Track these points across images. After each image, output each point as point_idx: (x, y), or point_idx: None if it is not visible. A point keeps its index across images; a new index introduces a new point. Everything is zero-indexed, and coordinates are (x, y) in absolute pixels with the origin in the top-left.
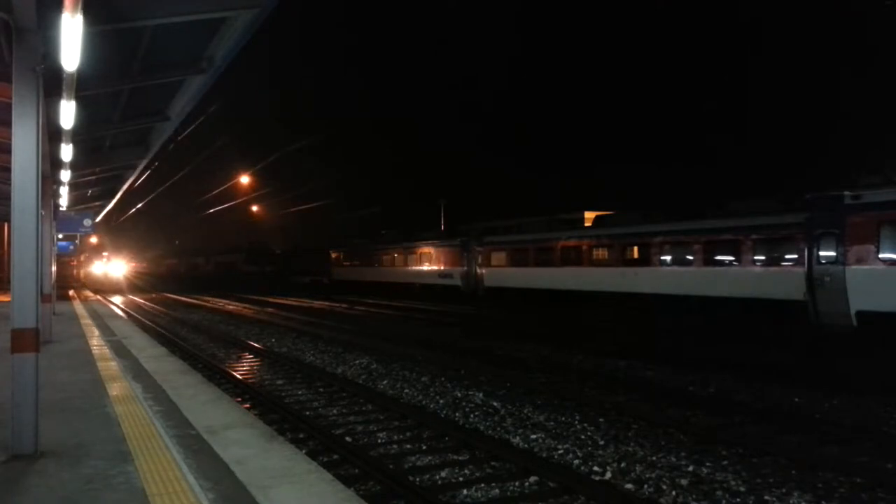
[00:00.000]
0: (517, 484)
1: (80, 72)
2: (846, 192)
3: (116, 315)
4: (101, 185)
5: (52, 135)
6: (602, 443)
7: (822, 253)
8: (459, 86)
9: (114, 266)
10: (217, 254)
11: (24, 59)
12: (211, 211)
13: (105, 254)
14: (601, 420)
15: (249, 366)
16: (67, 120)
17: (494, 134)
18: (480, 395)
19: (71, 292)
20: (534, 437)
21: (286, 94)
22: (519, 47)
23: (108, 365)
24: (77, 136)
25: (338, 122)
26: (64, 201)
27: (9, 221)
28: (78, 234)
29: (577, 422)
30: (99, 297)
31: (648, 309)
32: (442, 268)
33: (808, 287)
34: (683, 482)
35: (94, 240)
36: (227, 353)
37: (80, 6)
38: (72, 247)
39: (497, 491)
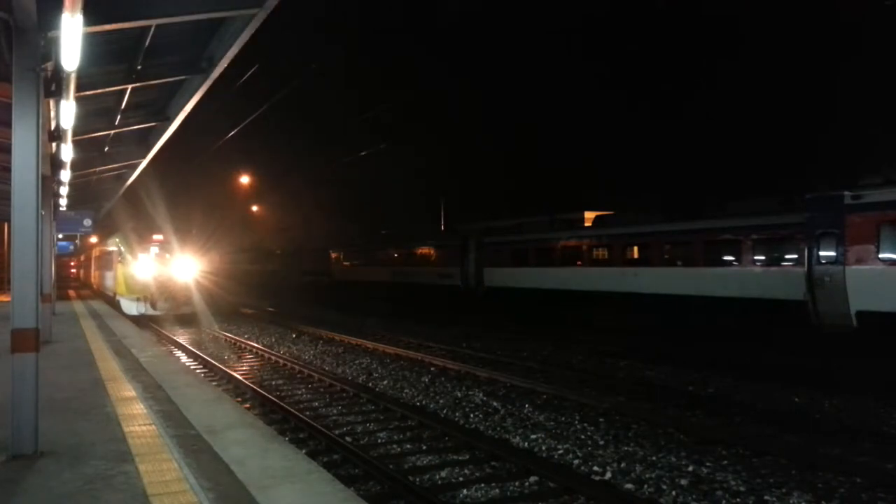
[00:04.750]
0: (517, 484)
1: (80, 72)
2: (846, 192)
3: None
4: (101, 185)
5: (52, 135)
6: (602, 443)
7: (822, 253)
8: (459, 84)
9: (181, 267)
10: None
11: (24, 59)
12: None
13: (157, 237)
14: (601, 420)
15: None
16: (67, 120)
17: (495, 133)
18: (480, 394)
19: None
20: (534, 437)
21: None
22: (518, 46)
23: (108, 365)
24: (77, 136)
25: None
26: (64, 201)
27: (9, 221)
28: (78, 234)
29: (577, 422)
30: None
31: (648, 309)
32: (442, 268)
33: (808, 287)
34: (683, 482)
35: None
36: None
37: (80, 6)
38: (71, 247)
39: (497, 491)
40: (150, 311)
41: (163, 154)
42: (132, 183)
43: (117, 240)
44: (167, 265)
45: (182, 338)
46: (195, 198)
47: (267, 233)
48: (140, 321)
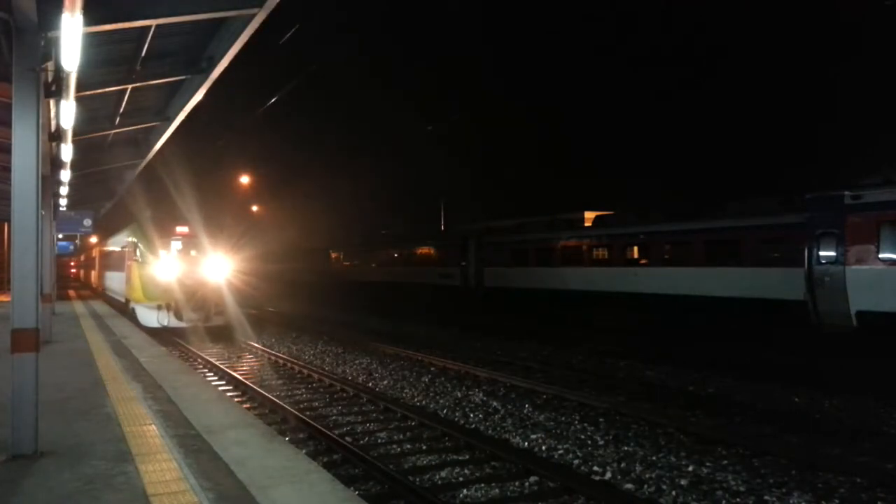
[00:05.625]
0: (517, 484)
1: (80, 72)
2: (846, 192)
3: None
4: (101, 185)
5: (52, 135)
6: (602, 443)
7: (822, 253)
8: (459, 83)
9: (213, 267)
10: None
11: (24, 59)
12: None
13: (182, 230)
14: (601, 420)
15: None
16: (67, 120)
17: (495, 132)
18: (480, 394)
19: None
20: (534, 436)
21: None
22: (518, 46)
23: (108, 365)
24: (77, 136)
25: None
26: (64, 201)
27: (9, 221)
28: (78, 234)
29: (576, 422)
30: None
31: (648, 309)
32: (442, 268)
33: (808, 287)
34: (683, 482)
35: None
36: None
37: (80, 6)
38: (71, 247)
39: (497, 491)
40: (175, 323)
41: (182, 148)
42: (150, 162)
43: (131, 238)
44: (196, 265)
45: (182, 339)
46: (223, 187)
47: (272, 232)
48: (163, 335)
